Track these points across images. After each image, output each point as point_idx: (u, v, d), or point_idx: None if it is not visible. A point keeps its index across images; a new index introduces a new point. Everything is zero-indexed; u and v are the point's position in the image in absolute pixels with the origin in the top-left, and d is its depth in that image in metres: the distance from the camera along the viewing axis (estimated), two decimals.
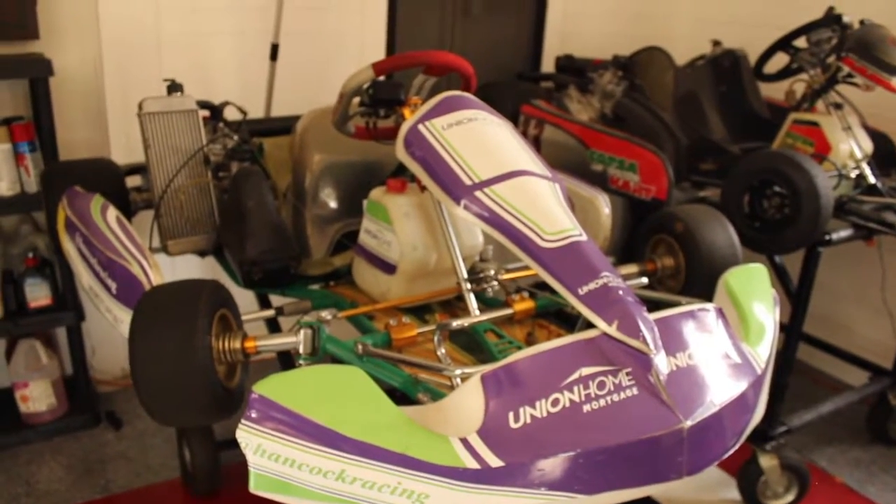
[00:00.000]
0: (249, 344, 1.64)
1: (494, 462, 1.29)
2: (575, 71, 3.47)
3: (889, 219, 2.58)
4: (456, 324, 1.76)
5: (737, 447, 1.52)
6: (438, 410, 1.40)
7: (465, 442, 1.31)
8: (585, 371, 1.40)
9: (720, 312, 1.66)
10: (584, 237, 1.64)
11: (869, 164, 2.82)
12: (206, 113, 2.53)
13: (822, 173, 2.37)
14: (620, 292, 1.51)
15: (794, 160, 2.37)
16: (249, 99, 3.20)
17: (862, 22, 2.84)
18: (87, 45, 3.11)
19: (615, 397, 1.38)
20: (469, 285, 1.89)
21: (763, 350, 1.70)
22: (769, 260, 2.68)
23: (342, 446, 1.27)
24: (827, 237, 2.54)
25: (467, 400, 1.37)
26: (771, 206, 2.45)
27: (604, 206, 2.43)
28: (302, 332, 1.67)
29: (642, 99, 3.16)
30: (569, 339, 1.47)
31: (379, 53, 3.55)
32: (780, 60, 3.11)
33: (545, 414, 1.35)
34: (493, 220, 1.66)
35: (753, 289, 1.84)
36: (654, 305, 1.64)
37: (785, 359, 2.71)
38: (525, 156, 1.81)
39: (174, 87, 2.39)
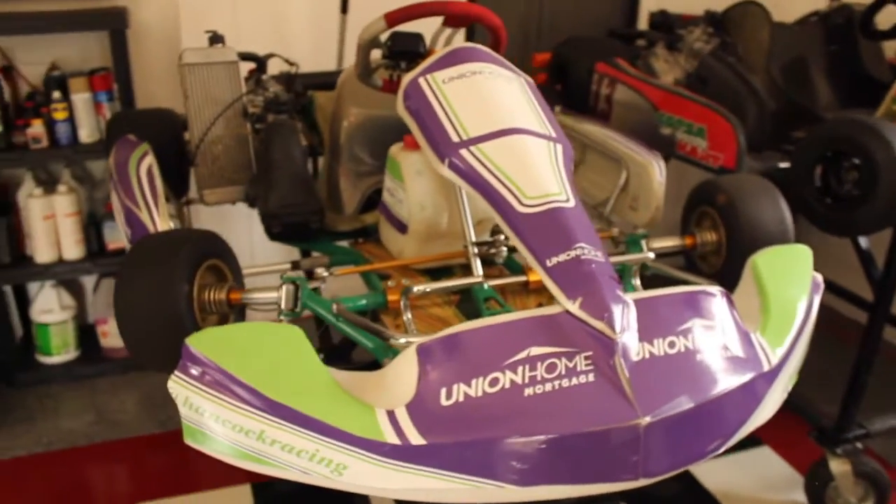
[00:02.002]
0: (234, 296, 1.63)
1: (416, 439, 1.21)
2: (667, 28, 3.21)
3: None
4: (417, 289, 1.66)
5: (724, 448, 1.36)
6: (375, 379, 1.33)
7: (391, 415, 1.24)
8: (536, 351, 1.27)
9: (727, 297, 1.47)
10: (572, 203, 1.50)
11: None
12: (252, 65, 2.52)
13: None
14: (593, 266, 1.37)
15: (871, 127, 2.07)
16: (322, 52, 3.20)
17: None
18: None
19: (565, 382, 1.25)
20: (476, 249, 1.79)
21: (782, 342, 1.50)
22: (853, 242, 2.38)
23: (263, 407, 1.22)
24: None
25: (401, 371, 1.29)
26: (846, 181, 2.15)
27: (657, 173, 2.26)
28: (284, 287, 1.64)
29: (729, 59, 2.88)
30: (525, 313, 1.35)
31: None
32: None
33: (480, 394, 1.24)
34: (474, 179, 1.56)
35: (787, 273, 1.63)
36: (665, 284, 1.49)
37: (863, 355, 2.42)
38: (526, 113, 1.68)
39: (215, 39, 2.39)
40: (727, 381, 1.34)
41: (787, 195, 1.94)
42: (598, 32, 3.52)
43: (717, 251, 1.95)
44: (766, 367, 1.43)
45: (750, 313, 1.54)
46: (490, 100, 1.67)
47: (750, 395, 1.41)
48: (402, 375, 1.28)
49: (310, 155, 2.57)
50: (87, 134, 3.02)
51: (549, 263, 1.40)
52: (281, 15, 3.29)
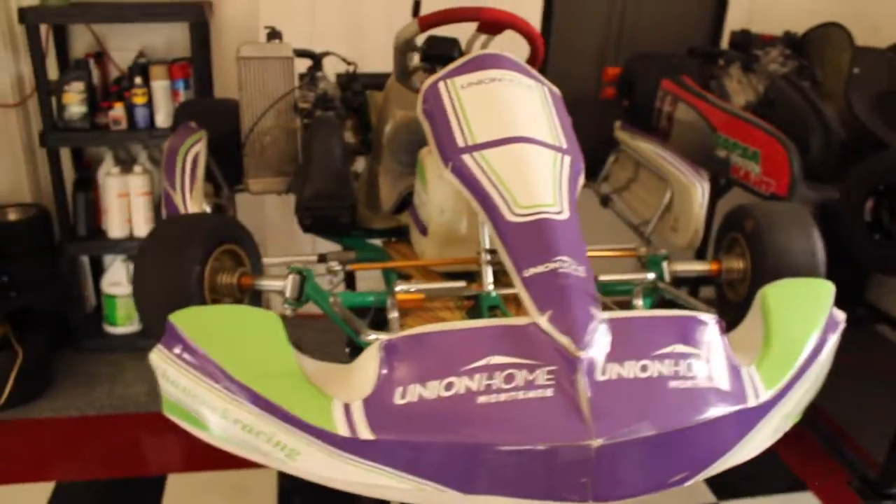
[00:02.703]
0: (245, 280, 1.69)
1: (365, 434, 1.22)
2: (745, 48, 3.09)
3: None
4: (400, 289, 1.67)
5: (691, 481, 1.31)
6: (341, 373, 1.35)
7: (346, 408, 1.25)
8: (496, 360, 1.26)
9: (719, 326, 1.41)
10: (564, 216, 1.48)
11: None
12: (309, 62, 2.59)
13: None
14: (569, 280, 1.35)
15: None
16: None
17: None
18: None
19: (521, 394, 1.23)
20: (488, 256, 1.78)
21: (779, 379, 1.43)
22: None
23: (228, 386, 1.27)
24: None
25: (363, 367, 1.31)
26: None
27: (699, 195, 2.20)
28: (290, 276, 1.69)
29: (803, 83, 2.75)
30: (494, 321, 1.34)
31: (534, 16, 3.41)
32: None
33: (434, 396, 1.24)
34: (472, 185, 1.56)
35: (798, 308, 1.56)
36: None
37: None
38: (538, 123, 1.67)
39: (273, 35, 2.47)
40: (699, 412, 1.29)
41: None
42: (679, 49, 3.43)
43: (743, 279, 1.88)
44: (751, 403, 1.36)
45: (749, 346, 1.48)
46: (502, 107, 1.67)
47: (728, 429, 1.35)
48: (362, 371, 1.30)
49: (358, 153, 2.62)
50: (162, 119, 3.18)
51: (525, 274, 1.38)
52: (357, 14, 3.37)
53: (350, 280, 2.52)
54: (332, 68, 2.75)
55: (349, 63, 2.65)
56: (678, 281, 1.92)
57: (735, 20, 3.55)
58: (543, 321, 1.29)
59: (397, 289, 1.67)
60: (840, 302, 1.57)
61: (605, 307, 1.79)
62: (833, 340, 1.56)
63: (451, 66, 1.79)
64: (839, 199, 2.18)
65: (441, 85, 1.75)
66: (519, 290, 1.38)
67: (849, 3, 3.65)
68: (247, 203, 2.81)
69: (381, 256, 2.22)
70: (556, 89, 1.85)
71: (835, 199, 2.44)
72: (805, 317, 1.54)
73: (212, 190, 2.47)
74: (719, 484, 2.61)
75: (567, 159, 1.63)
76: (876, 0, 3.71)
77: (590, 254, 1.92)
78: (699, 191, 2.19)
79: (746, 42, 3.10)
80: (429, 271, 2.01)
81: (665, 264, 1.90)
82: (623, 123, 2.83)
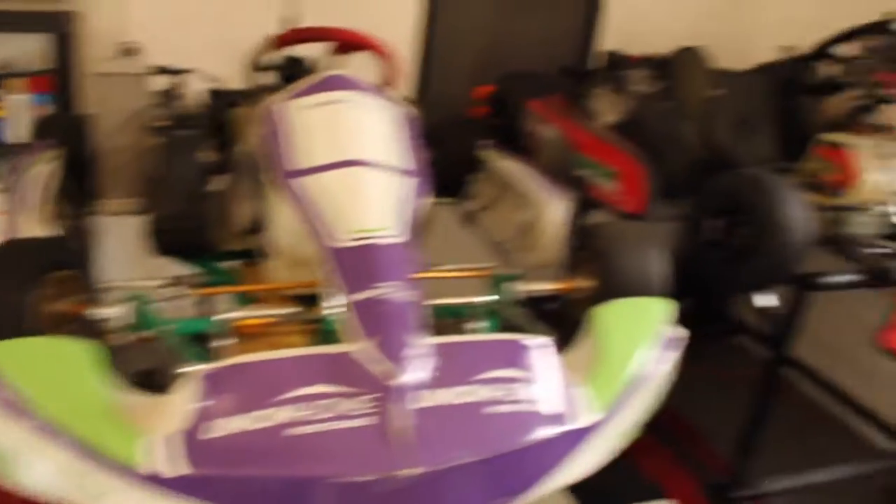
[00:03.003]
0: (76, 309, 1.61)
1: (176, 469, 1.19)
2: (613, 69, 3.18)
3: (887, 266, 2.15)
4: (216, 318, 1.62)
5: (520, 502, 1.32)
6: (159, 405, 1.31)
7: (154, 443, 1.21)
8: (316, 389, 1.25)
9: (551, 348, 1.44)
10: (396, 240, 1.48)
11: None
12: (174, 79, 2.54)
13: (798, 203, 2.01)
14: (392, 307, 1.35)
15: (760, 182, 2.03)
16: None
17: None
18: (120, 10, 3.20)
19: (337, 425, 1.22)
20: None
21: (611, 398, 1.46)
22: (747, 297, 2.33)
23: (27, 420, 1.21)
24: (822, 280, 2.17)
25: (179, 399, 1.27)
26: (737, 236, 2.11)
27: (557, 214, 2.23)
28: (124, 304, 1.63)
29: (665, 103, 2.85)
30: (315, 349, 1.33)
31: (410, 37, 3.42)
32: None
33: (250, 428, 1.21)
34: (301, 210, 1.55)
35: (633, 326, 1.60)
36: None
37: (757, 413, 2.35)
38: (378, 145, 1.67)
39: (130, 51, 2.40)
40: (524, 435, 1.31)
41: None
42: (552, 68, 3.51)
43: (593, 298, 1.92)
44: (581, 423, 1.39)
45: (582, 366, 1.51)
46: (341, 129, 1.66)
47: (555, 450, 1.37)
48: (178, 403, 1.26)
49: (221, 171, 2.57)
50: (16, 134, 3.04)
51: (353, 299, 1.38)
52: (231, 29, 3.30)
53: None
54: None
55: (213, 80, 2.60)
56: (539, 300, 1.95)
57: (606, 41, 3.65)
58: (365, 348, 1.28)
59: (220, 316, 1.63)
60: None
61: (448, 330, 1.82)
62: (669, 357, 1.60)
63: (294, 87, 1.78)
64: (684, 218, 2.26)
65: (281, 107, 1.74)
66: (347, 316, 1.37)
67: (721, 25, 3.82)
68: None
69: (229, 278, 2.17)
70: (408, 110, 1.85)
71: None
72: (638, 335, 1.59)
73: (69, 210, 2.37)
74: (581, 493, 2.66)
75: (408, 181, 1.63)
76: (746, 23, 3.89)
77: (439, 274, 1.96)
78: (557, 209, 2.23)
79: (616, 63, 3.19)
80: (279, 295, 1.98)
81: (514, 284, 1.93)
82: (490, 142, 2.88)
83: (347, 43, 1.92)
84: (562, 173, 2.70)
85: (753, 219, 2.01)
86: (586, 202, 2.82)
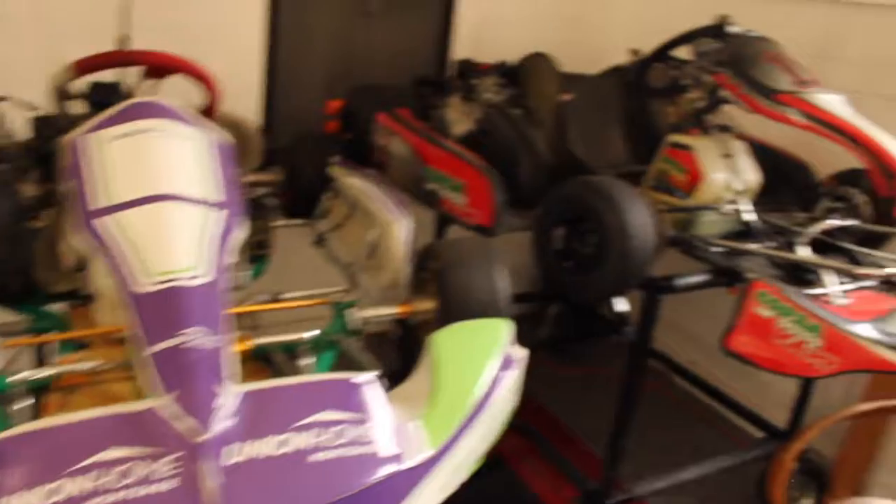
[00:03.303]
0: None
1: None
2: (465, 77, 3.14)
3: (741, 266, 2.17)
4: (12, 379, 1.45)
5: None
6: None
7: None
8: (113, 453, 1.11)
9: (377, 385, 1.34)
10: (205, 280, 1.35)
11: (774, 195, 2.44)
12: None
13: (640, 208, 1.99)
14: (195, 356, 1.22)
15: (603, 189, 2.00)
16: None
17: (742, 34, 2.44)
18: None
19: (141, 491, 1.08)
20: None
21: (448, 430, 1.38)
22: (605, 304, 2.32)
23: None
24: (671, 283, 2.17)
25: None
26: (584, 245, 2.08)
27: (401, 233, 2.13)
28: None
29: (515, 111, 2.82)
30: (113, 409, 1.18)
31: (255, 54, 3.28)
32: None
33: None
34: (106, 252, 1.40)
35: (470, 351, 1.52)
36: None
37: (621, 416, 2.34)
38: (187, 177, 1.54)
39: None
40: (354, 481, 1.20)
41: None
42: (408, 79, 3.43)
43: (435, 321, 1.84)
44: (411, 463, 1.30)
45: (416, 399, 1.42)
46: (146, 162, 1.52)
47: (388, 493, 1.27)
48: None
49: (46, 206, 2.36)
50: None
51: (152, 350, 1.24)
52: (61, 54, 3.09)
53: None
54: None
55: (30, 107, 2.39)
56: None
57: (462, 49, 3.61)
58: (166, 404, 1.15)
59: (17, 377, 1.46)
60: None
61: (280, 370, 1.70)
62: (510, 379, 1.54)
63: (97, 118, 1.63)
64: (532, 227, 2.22)
65: (82, 140, 1.58)
66: (146, 369, 1.23)
67: (573, 30, 3.84)
68: None
69: (55, 323, 1.98)
70: (224, 136, 1.72)
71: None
72: (475, 361, 1.51)
73: None
74: None
75: (220, 214, 1.51)
76: (598, 28, 3.93)
77: (272, 307, 1.85)
78: (400, 227, 2.15)
79: (466, 71, 3.15)
80: (107, 339, 1.81)
81: (351, 312, 1.83)
82: (338, 158, 2.77)
83: (160, 66, 1.78)
84: (413, 188, 2.63)
85: (597, 227, 1.98)
86: (445, 217, 2.77)
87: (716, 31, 2.48)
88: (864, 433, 2.94)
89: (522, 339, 1.56)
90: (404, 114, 2.86)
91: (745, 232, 2.40)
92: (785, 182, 2.84)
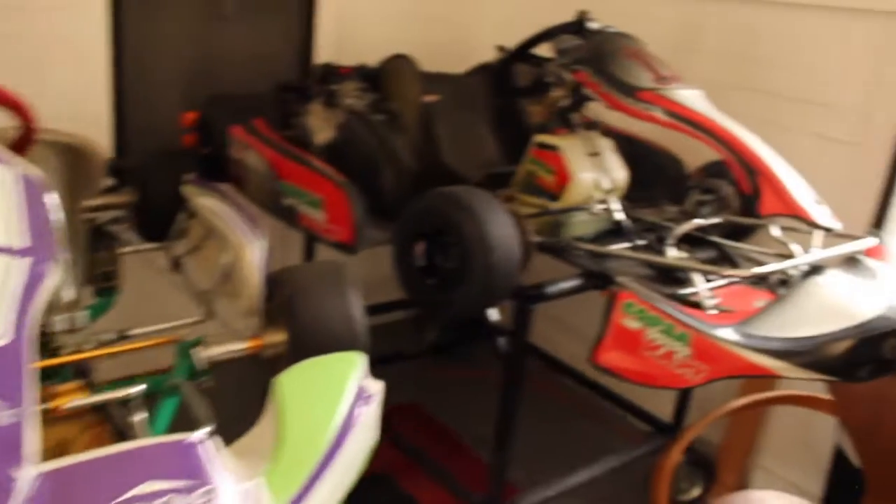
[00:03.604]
0: None
1: None
2: (326, 82, 2.98)
3: (611, 269, 2.11)
4: None
5: None
6: None
7: None
8: None
9: (206, 443, 1.19)
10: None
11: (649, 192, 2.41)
12: None
13: (502, 217, 1.90)
14: None
15: (462, 201, 1.90)
16: None
17: (601, 30, 2.39)
18: None
19: None
20: None
21: (296, 484, 1.24)
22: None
23: None
24: (541, 292, 2.09)
25: None
26: (447, 260, 1.97)
27: (253, 255, 1.98)
28: None
29: (374, 116, 2.69)
30: None
31: (101, 66, 3.03)
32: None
33: None
34: None
35: (319, 392, 1.39)
36: None
37: (500, 429, 2.25)
38: None
39: None
40: None
41: None
42: (271, 86, 3.25)
43: (287, 356, 1.70)
44: None
45: (260, 452, 1.28)
46: None
47: None
48: None
49: None
50: None
51: None
52: None
53: None
54: None
55: None
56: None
57: (326, 52, 3.45)
58: None
59: None
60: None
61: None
62: (366, 417, 1.42)
63: None
64: (392, 243, 2.10)
65: None
66: None
67: (442, 28, 3.74)
68: None
69: None
70: (31, 172, 1.52)
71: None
72: (324, 403, 1.38)
73: None
74: None
75: (22, 263, 1.32)
76: (464, 26, 3.84)
77: (109, 350, 1.67)
78: (254, 251, 1.99)
79: (327, 76, 3.00)
80: None
81: (197, 350, 1.68)
82: (192, 176, 2.59)
83: None
84: (271, 204, 2.47)
85: (458, 241, 1.87)
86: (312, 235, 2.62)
87: (575, 27, 2.41)
88: (746, 420, 2.97)
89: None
90: (259, 124, 2.68)
91: (616, 231, 2.36)
92: (656, 175, 2.82)
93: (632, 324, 1.66)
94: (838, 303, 1.76)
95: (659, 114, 2.16)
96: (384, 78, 2.86)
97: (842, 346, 1.66)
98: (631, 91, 2.19)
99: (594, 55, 2.29)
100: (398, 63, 2.82)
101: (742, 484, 3.07)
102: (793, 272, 2.00)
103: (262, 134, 2.59)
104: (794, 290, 1.80)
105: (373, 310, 3.69)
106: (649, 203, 2.74)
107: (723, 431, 3.02)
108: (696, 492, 2.91)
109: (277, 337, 1.69)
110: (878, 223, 2.52)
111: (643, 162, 2.80)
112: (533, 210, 2.41)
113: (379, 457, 1.44)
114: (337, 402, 1.37)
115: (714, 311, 1.88)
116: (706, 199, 2.51)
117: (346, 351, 1.55)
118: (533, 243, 2.08)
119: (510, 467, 2.52)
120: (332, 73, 3.01)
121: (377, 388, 1.46)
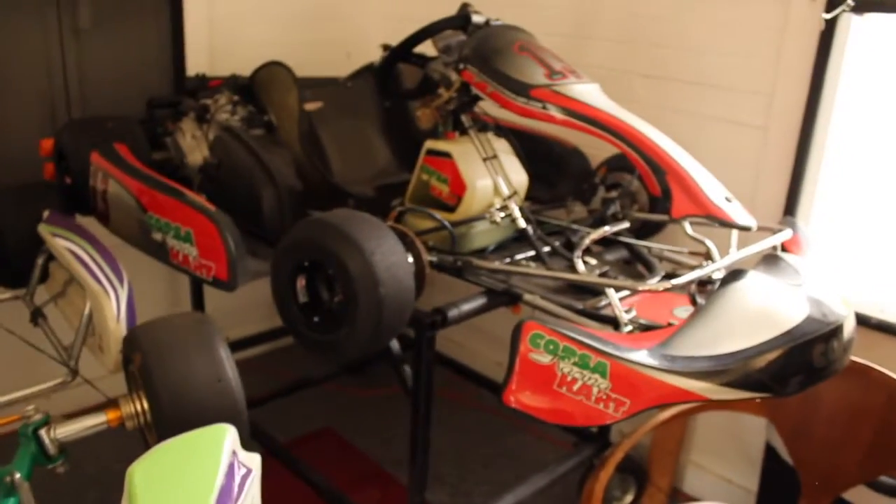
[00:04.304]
0: None
1: None
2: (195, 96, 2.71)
3: (517, 287, 1.93)
4: None
5: None
6: None
7: None
8: None
9: None
10: None
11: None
12: None
13: (389, 243, 1.68)
14: None
15: (338, 229, 1.67)
16: None
17: (487, 23, 2.19)
18: None
19: None
20: None
21: None
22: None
23: None
24: (445, 317, 1.89)
25: None
26: (331, 295, 1.75)
27: (110, 304, 1.73)
28: None
29: (249, 132, 2.45)
30: None
31: None
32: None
33: None
34: None
35: (181, 481, 1.16)
36: None
37: (414, 455, 2.05)
38: None
39: None
40: None
41: None
42: (139, 104, 2.94)
43: (149, 428, 1.46)
44: None
45: None
46: None
47: None
48: None
49: None
50: None
51: None
52: None
53: None
54: None
55: None
56: None
57: (196, 62, 3.15)
58: None
59: None
60: None
61: None
62: (248, 488, 1.20)
63: None
64: (271, 279, 1.86)
65: None
66: None
67: (317, 30, 3.48)
68: None
69: None
70: None
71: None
72: (189, 492, 1.16)
73: None
74: None
75: None
76: (345, 25, 3.60)
77: None
78: (110, 299, 1.75)
79: (199, 88, 2.72)
80: None
81: (46, 431, 1.42)
82: (51, 212, 2.30)
83: None
84: (140, 240, 2.20)
85: (339, 275, 1.65)
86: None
87: (459, 21, 2.21)
88: (674, 418, 2.86)
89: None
90: (122, 149, 2.39)
91: (523, 238, 2.17)
92: (561, 172, 2.65)
93: (541, 358, 1.46)
94: (761, 310, 1.61)
95: (554, 112, 1.96)
96: (258, 88, 2.60)
97: (769, 359, 1.51)
98: (522, 89, 1.99)
99: (479, 52, 2.08)
100: (273, 71, 2.57)
101: (674, 483, 2.97)
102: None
103: (124, 160, 2.30)
104: (714, 299, 1.65)
105: (277, 333, 3.52)
106: (555, 203, 2.58)
107: (651, 433, 2.90)
108: (629, 498, 2.79)
109: (139, 406, 1.44)
110: (788, 209, 2.42)
111: (546, 159, 2.63)
112: (430, 224, 2.21)
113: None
114: (205, 493, 1.15)
115: (630, 328, 1.72)
116: (613, 197, 2.36)
117: (218, 421, 1.33)
118: (428, 264, 1.88)
119: (432, 489, 2.33)
120: (203, 85, 2.75)
121: (254, 461, 1.25)
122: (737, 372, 1.49)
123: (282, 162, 2.34)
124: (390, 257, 1.65)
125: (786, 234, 2.00)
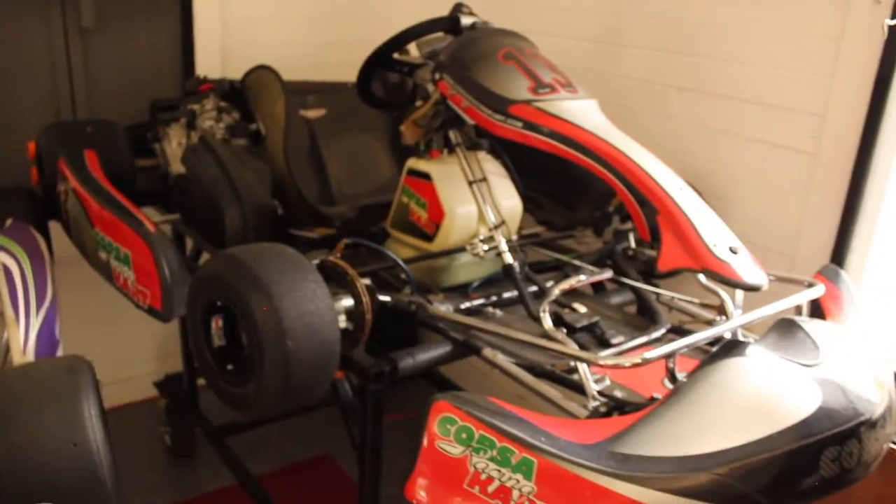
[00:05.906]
0: None
1: None
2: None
3: (477, 340, 1.62)
4: None
5: None
6: None
7: None
8: None
9: None
10: None
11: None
12: None
13: (309, 289, 1.41)
14: None
15: (247, 269, 1.41)
16: None
17: (473, 26, 1.89)
18: None
19: None
20: None
21: None
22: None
23: None
24: (402, 365, 1.62)
25: None
26: (244, 341, 1.49)
27: (19, 334, 1.56)
28: None
29: (235, 142, 2.24)
30: None
31: None
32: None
33: None
34: None
35: None
36: None
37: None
38: None
39: None
40: None
41: None
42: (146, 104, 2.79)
43: None
44: None
45: None
46: None
47: None
48: None
49: None
50: None
51: None
52: None
53: None
54: None
55: None
56: None
57: (207, 64, 2.97)
58: None
59: None
60: None
61: None
62: None
63: None
64: (186, 320, 1.62)
65: None
66: None
67: (341, 31, 3.25)
68: None
69: None
70: None
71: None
72: None
73: None
74: None
75: None
76: (371, 26, 3.34)
77: None
78: (21, 330, 1.56)
79: (192, 92, 2.53)
80: None
81: None
82: (13, 221, 2.15)
83: None
84: (91, 257, 2.02)
85: (245, 321, 1.40)
86: None
87: (446, 24, 1.92)
88: None
89: None
90: (90, 157, 2.21)
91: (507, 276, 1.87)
92: (580, 194, 2.31)
93: (451, 448, 1.16)
94: (757, 397, 1.27)
95: (539, 133, 1.65)
96: (247, 93, 2.40)
97: (757, 465, 1.17)
98: (501, 105, 1.68)
99: (458, 59, 1.78)
100: (261, 75, 2.35)
101: None
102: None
103: (84, 169, 2.12)
104: (696, 380, 1.31)
105: None
106: (570, 231, 2.27)
107: None
108: None
109: None
110: (836, 255, 2.02)
111: (563, 178, 2.30)
112: (411, 252, 1.95)
113: None
114: None
115: (596, 403, 1.40)
116: (626, 229, 2.02)
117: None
118: (379, 307, 1.61)
119: None
120: (197, 88, 2.56)
121: None
122: (709, 481, 1.15)
123: (257, 177, 2.11)
124: (305, 304, 1.38)
125: (817, 291, 1.63)
